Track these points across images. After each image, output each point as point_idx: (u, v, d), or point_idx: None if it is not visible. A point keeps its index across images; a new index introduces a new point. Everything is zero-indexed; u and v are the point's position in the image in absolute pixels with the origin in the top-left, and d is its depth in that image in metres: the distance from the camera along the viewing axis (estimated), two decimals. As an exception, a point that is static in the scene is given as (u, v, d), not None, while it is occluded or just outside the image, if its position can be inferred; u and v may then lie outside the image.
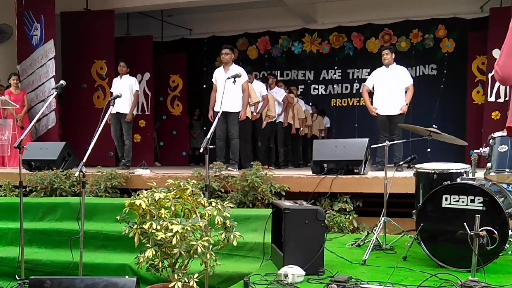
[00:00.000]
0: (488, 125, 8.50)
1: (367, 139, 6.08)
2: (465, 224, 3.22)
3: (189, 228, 2.96)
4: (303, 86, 12.13)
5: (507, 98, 8.42)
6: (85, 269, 4.15)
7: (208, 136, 3.96)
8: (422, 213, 3.67)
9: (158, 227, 2.94)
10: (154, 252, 2.98)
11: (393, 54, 7.08)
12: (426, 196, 3.73)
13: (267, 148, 8.81)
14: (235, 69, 6.88)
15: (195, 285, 3.00)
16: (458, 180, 3.70)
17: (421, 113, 10.20)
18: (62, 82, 4.60)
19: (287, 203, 3.82)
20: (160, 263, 3.05)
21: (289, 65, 12.40)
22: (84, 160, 3.53)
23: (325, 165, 5.99)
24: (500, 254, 3.46)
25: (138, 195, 3.18)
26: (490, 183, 3.71)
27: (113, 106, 4.19)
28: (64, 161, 7.09)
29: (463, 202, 3.49)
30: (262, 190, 5.61)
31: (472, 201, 3.46)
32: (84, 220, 3.66)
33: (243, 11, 11.65)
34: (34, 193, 6.39)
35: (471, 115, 9.60)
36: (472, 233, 3.09)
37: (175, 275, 3.04)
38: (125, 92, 8.00)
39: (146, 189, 3.24)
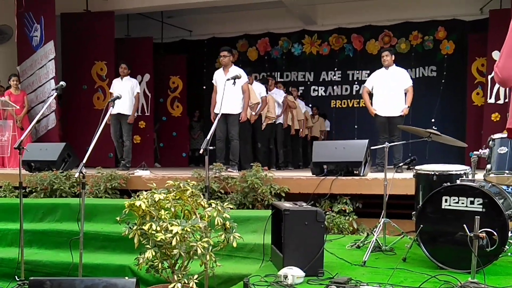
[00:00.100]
0: (488, 126, 8.50)
1: (366, 141, 6.09)
2: (464, 225, 3.22)
3: (189, 229, 2.96)
4: (303, 88, 12.12)
5: (506, 100, 8.43)
6: (85, 270, 4.15)
7: (208, 137, 3.96)
8: (422, 215, 3.67)
9: (158, 228, 2.95)
10: (154, 253, 2.98)
11: (393, 56, 7.09)
12: (425, 197, 3.73)
13: (267, 149, 8.81)
14: (235, 70, 6.88)
15: (194, 286, 3.00)
16: (458, 181, 3.70)
17: (421, 115, 10.20)
18: (62, 83, 4.60)
19: (287, 204, 3.82)
20: (160, 264, 3.06)
21: (289, 67, 12.41)
22: (84, 161, 3.53)
23: (325, 166, 5.99)
24: (500, 256, 3.46)
25: (138, 196, 3.18)
26: (490, 184, 3.71)
27: (113, 107, 4.20)
28: (64, 162, 7.09)
29: (462, 203, 3.49)
30: (262, 191, 5.61)
31: (472, 202, 3.46)
32: (84, 221, 3.66)
33: (243, 13, 11.66)
34: (34, 194, 6.39)
35: (471, 116, 9.61)
36: (472, 235, 3.09)
37: (175, 276, 3.04)
38: (126, 93, 8.05)
39: (146, 190, 3.24)
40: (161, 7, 10.37)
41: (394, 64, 7.09)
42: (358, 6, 11.12)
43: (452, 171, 3.95)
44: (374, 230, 4.36)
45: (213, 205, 3.21)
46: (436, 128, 4.22)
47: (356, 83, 11.90)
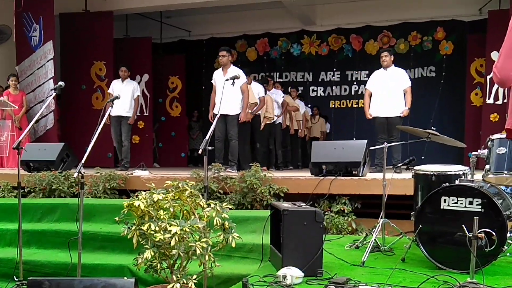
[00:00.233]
0: (487, 127, 8.51)
1: (365, 141, 6.09)
2: (463, 226, 3.23)
3: (187, 230, 2.96)
4: (301, 88, 12.11)
5: (505, 100, 8.43)
6: (84, 270, 4.14)
7: (207, 137, 3.97)
8: (421, 215, 3.67)
9: (157, 228, 2.95)
10: (152, 253, 2.98)
11: (392, 56, 7.09)
12: (424, 198, 3.73)
13: (266, 149, 8.81)
14: (234, 70, 6.87)
15: (193, 286, 3.00)
16: (457, 182, 3.71)
17: (420, 115, 10.19)
18: (61, 83, 4.59)
19: (286, 205, 3.82)
20: (158, 264, 3.06)
21: (288, 67, 12.41)
22: (83, 161, 3.53)
23: (323, 166, 5.99)
24: (499, 256, 3.47)
25: (136, 196, 3.18)
26: (489, 185, 3.72)
27: (111, 107, 4.20)
28: (62, 162, 7.09)
29: (461, 204, 3.50)
30: (260, 191, 5.61)
31: (471, 203, 3.46)
32: (83, 221, 3.66)
33: (242, 13, 11.66)
34: (33, 194, 6.38)
35: (470, 117, 9.62)
36: (471, 235, 3.09)
37: (174, 276, 3.04)
38: (127, 96, 8.13)
39: (144, 190, 3.24)
40: (160, 7, 10.37)
41: (393, 65, 7.10)
42: (357, 6, 11.13)
43: (451, 171, 3.96)
44: (373, 230, 4.36)
45: (212, 205, 3.21)
46: (435, 129, 4.21)
47: (355, 83, 11.90)
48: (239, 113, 7.09)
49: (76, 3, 9.81)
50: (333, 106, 12.14)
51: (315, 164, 6.07)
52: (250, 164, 6.05)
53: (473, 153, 3.82)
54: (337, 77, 12.08)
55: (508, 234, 3.45)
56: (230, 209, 3.29)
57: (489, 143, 3.62)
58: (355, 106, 11.86)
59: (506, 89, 7.41)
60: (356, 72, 11.88)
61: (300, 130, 10.41)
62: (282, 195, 5.67)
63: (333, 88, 12.13)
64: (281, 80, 11.93)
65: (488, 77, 8.70)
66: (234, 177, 5.90)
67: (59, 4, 9.35)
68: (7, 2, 9.38)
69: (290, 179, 5.89)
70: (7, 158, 8.42)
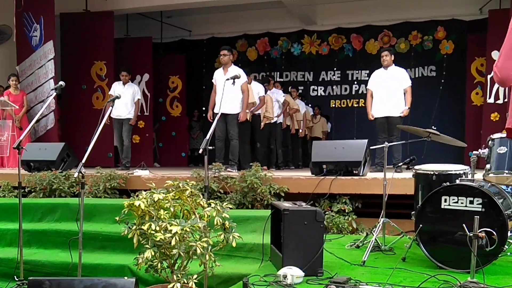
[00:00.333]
0: (487, 126, 8.51)
1: (366, 140, 6.08)
2: (464, 225, 3.23)
3: (188, 229, 2.96)
4: (302, 87, 12.12)
5: (506, 100, 8.43)
6: (84, 270, 4.15)
7: (207, 137, 3.97)
8: (421, 214, 3.67)
9: (157, 228, 2.95)
10: (153, 253, 2.98)
11: (392, 56, 7.09)
12: (425, 197, 3.73)
13: (266, 149, 8.81)
14: (234, 70, 6.88)
15: (194, 286, 3.00)
16: (457, 181, 3.71)
17: (420, 115, 10.19)
18: (61, 83, 4.59)
19: (286, 204, 3.82)
20: (159, 264, 3.06)
21: (288, 66, 12.41)
22: (83, 161, 3.53)
23: (324, 166, 5.99)
24: (499, 255, 3.46)
25: (137, 196, 3.18)
26: (489, 184, 3.71)
27: (112, 107, 4.20)
28: (63, 162, 7.09)
29: (462, 203, 3.50)
30: (261, 191, 5.61)
31: (471, 202, 3.46)
32: (83, 221, 3.66)
33: (242, 13, 11.66)
34: (33, 194, 6.39)
35: (470, 116, 9.62)
36: (471, 234, 3.09)
37: (174, 276, 3.04)
38: (128, 99, 8.19)
39: (145, 190, 3.24)
40: (161, 7, 10.38)
41: (394, 64, 7.10)
42: (358, 6, 11.12)
43: (451, 171, 3.95)
44: (374, 229, 4.36)
45: (213, 205, 3.21)
46: (435, 128, 4.21)
47: (355, 83, 11.90)
48: (239, 113, 7.09)
49: (77, 3, 9.81)
50: (333, 105, 12.14)
51: (315, 164, 6.07)
52: (251, 164, 6.05)
53: (474, 152, 3.82)
54: (338, 77, 12.08)
55: (509, 234, 3.45)
56: (230, 208, 3.29)
57: (490, 142, 3.62)
58: (355, 105, 11.86)
59: (506, 88, 7.43)
60: (357, 72, 11.88)
61: (300, 130, 10.41)
62: (283, 194, 5.67)
63: (334, 87, 12.13)
64: (282, 80, 11.93)
65: (489, 76, 8.69)
66: (234, 177, 5.90)
67: (60, 4, 9.35)
68: (8, 2, 9.38)
69: (291, 179, 5.89)
70: (7, 158, 8.42)
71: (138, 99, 8.43)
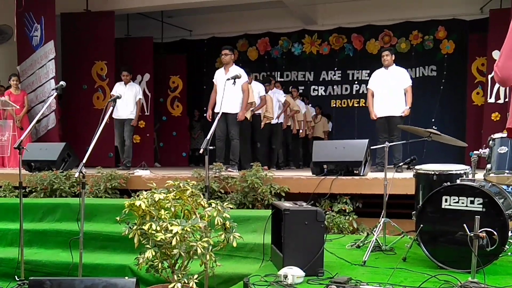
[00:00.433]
0: (488, 126, 8.50)
1: (367, 140, 6.08)
2: (464, 225, 3.22)
3: (188, 229, 2.96)
4: (303, 87, 12.12)
5: (506, 99, 8.43)
6: (85, 270, 4.15)
7: (208, 137, 3.96)
8: (422, 214, 3.67)
9: (158, 228, 2.95)
10: (153, 253, 2.98)
11: (393, 56, 7.09)
12: (425, 197, 3.73)
13: (267, 149, 8.81)
14: (235, 70, 6.88)
15: (194, 286, 3.00)
16: (458, 181, 3.70)
17: (421, 114, 10.19)
18: (62, 83, 4.60)
19: (287, 204, 3.82)
20: (159, 264, 3.06)
21: (289, 66, 12.41)
22: (84, 161, 3.53)
23: (325, 166, 5.99)
24: (500, 255, 3.46)
25: (138, 196, 3.18)
26: (490, 184, 3.71)
27: (113, 107, 4.20)
28: (64, 161, 7.09)
29: (462, 203, 3.49)
30: (262, 191, 5.61)
31: (472, 202, 3.46)
32: (84, 221, 3.65)
33: (243, 12, 11.66)
34: (34, 193, 6.39)
35: (471, 116, 9.62)
36: (472, 234, 3.09)
37: (175, 276, 3.04)
38: (130, 99, 8.23)
39: (146, 190, 3.24)
40: (161, 6, 10.38)
41: (394, 64, 7.09)
42: (358, 6, 11.12)
43: (452, 170, 3.95)
44: (374, 229, 4.36)
45: (213, 205, 3.21)
46: (436, 128, 4.20)
47: (356, 82, 11.90)
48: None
49: (77, 3, 9.81)
50: (334, 105, 12.14)
51: (316, 164, 6.07)
52: (251, 164, 6.05)
53: (474, 152, 3.82)
54: (338, 77, 12.07)
55: (510, 234, 3.44)
56: (231, 208, 3.28)
57: (490, 142, 3.62)
58: (356, 105, 11.86)
59: (507, 88, 7.42)
60: (357, 72, 11.88)
61: (301, 131, 10.40)
62: (283, 194, 5.67)
63: (334, 87, 12.12)
64: (282, 80, 11.93)
65: (490, 76, 8.69)
66: (235, 177, 5.90)
67: (60, 4, 9.36)
68: (8, 2, 9.39)
69: (291, 179, 5.89)
70: (8, 158, 8.43)
71: (140, 99, 8.46)
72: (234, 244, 3.21)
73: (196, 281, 3.01)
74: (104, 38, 9.77)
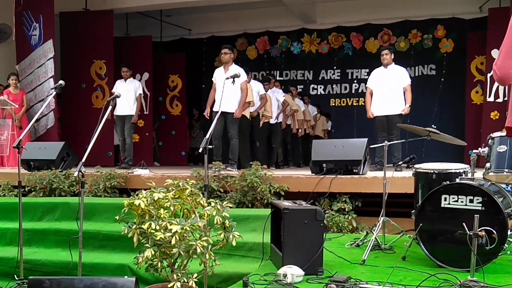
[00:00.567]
0: (487, 125, 8.51)
1: (366, 139, 6.08)
2: (464, 224, 3.22)
3: (188, 228, 2.96)
4: (302, 86, 12.12)
5: (506, 98, 8.43)
6: (84, 269, 4.15)
7: (207, 136, 3.97)
8: (421, 213, 3.67)
9: (157, 227, 2.95)
10: (153, 252, 2.98)
11: (392, 55, 7.09)
12: (425, 196, 3.73)
13: (266, 148, 8.80)
14: (235, 69, 6.87)
15: (194, 285, 3.00)
16: (457, 180, 3.70)
17: (420, 113, 10.18)
18: (61, 82, 4.59)
19: (286, 203, 3.82)
20: (159, 263, 3.05)
21: (288, 65, 12.41)
22: (83, 160, 3.53)
23: (324, 165, 5.99)
24: (499, 254, 3.46)
25: (137, 195, 3.18)
26: (489, 183, 3.71)
27: (112, 106, 4.19)
28: (63, 161, 7.09)
29: (462, 202, 3.50)
30: (261, 190, 5.61)
31: (471, 201, 3.46)
32: (83, 220, 3.66)
33: (242, 11, 11.66)
34: (33, 193, 6.39)
35: (470, 115, 9.61)
36: (471, 233, 3.09)
37: (174, 275, 3.04)
38: (131, 95, 8.22)
39: (145, 189, 3.24)
40: (160, 5, 10.37)
41: (393, 63, 7.10)
42: (358, 4, 11.12)
43: (451, 169, 3.95)
44: (374, 228, 4.36)
45: (213, 204, 3.21)
46: (435, 127, 4.20)
47: (355, 81, 11.90)
48: (239, 111, 7.08)
49: (76, 2, 9.80)
50: (333, 104, 12.15)
51: (315, 163, 6.07)
52: (251, 163, 6.05)
53: (474, 151, 3.81)
54: (337, 75, 12.08)
55: (509, 232, 3.45)
56: (230, 207, 3.28)
57: (490, 141, 3.62)
58: (355, 104, 11.86)
59: (506, 87, 7.42)
60: (357, 70, 11.88)
61: (300, 130, 10.40)
62: (283, 193, 5.67)
63: (333, 86, 12.13)
64: (281, 79, 11.93)
65: (489, 75, 8.69)
66: (234, 176, 5.90)
67: (59, 3, 9.35)
68: (7, 1, 9.37)
69: (291, 178, 5.89)
70: (7, 157, 8.42)
71: (140, 94, 8.44)
72: (234, 243, 3.21)
73: (196, 280, 3.01)
74: (103, 37, 9.76)
